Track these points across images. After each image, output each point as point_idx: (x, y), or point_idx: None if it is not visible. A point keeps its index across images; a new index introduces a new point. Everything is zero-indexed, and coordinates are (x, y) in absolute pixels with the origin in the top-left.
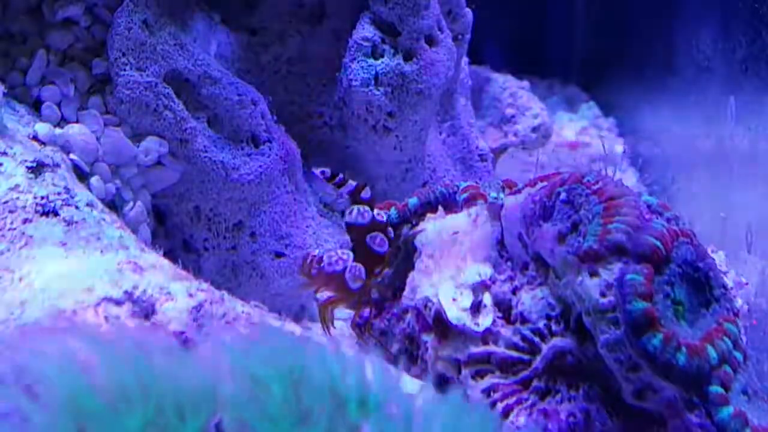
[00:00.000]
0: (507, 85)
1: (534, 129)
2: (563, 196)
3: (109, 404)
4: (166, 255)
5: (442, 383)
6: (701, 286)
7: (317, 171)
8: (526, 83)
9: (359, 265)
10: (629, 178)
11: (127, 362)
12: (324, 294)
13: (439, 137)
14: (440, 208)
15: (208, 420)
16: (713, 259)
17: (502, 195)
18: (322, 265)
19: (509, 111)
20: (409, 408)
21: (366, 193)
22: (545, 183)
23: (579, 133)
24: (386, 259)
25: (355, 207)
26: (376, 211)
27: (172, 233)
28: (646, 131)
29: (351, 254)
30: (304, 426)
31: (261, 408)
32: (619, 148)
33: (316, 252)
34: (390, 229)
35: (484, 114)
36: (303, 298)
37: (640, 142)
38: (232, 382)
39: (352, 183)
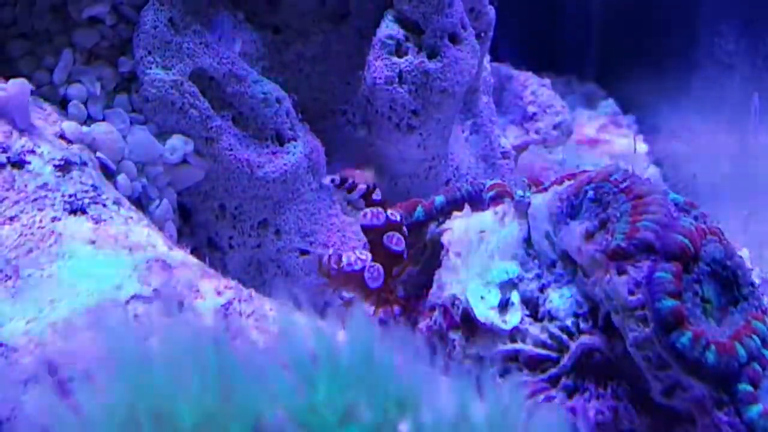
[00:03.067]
0: (528, 83)
1: (555, 126)
2: (591, 194)
3: (165, 397)
4: (191, 253)
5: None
6: (729, 284)
7: (327, 180)
8: (547, 81)
9: (378, 265)
10: (650, 176)
11: (184, 355)
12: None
13: (462, 135)
14: (467, 206)
15: (259, 415)
16: (741, 257)
17: (528, 193)
18: (341, 265)
19: (531, 109)
20: (447, 407)
21: (377, 195)
22: (572, 181)
23: (598, 130)
24: (407, 257)
25: (369, 210)
26: (389, 211)
27: (198, 231)
28: (666, 128)
29: (369, 254)
30: (349, 422)
31: (307, 403)
32: (642, 146)
33: (330, 251)
34: (404, 228)
35: (505, 112)
36: (328, 296)
37: (660, 139)
38: (277, 376)
39: (362, 186)
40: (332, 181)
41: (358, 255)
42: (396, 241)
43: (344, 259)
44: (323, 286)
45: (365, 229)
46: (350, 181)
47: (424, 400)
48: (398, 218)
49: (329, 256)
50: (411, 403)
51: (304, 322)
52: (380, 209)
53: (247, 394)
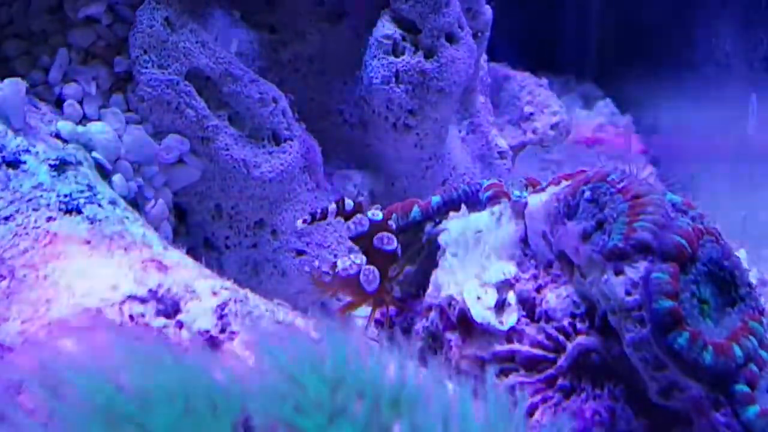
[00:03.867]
0: (525, 83)
1: (553, 126)
2: (588, 194)
3: (135, 403)
4: (187, 253)
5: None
6: (726, 285)
7: (299, 222)
8: (544, 81)
9: (373, 268)
10: (647, 176)
11: (153, 360)
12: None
13: (459, 135)
14: (463, 206)
15: (240, 415)
16: (738, 257)
17: (525, 193)
18: (336, 270)
19: (528, 109)
20: (442, 407)
21: (348, 206)
22: (569, 181)
23: (596, 130)
24: (402, 255)
25: (351, 220)
26: (370, 212)
27: (194, 231)
28: (664, 128)
29: (364, 258)
30: (339, 423)
31: (295, 404)
32: (638, 146)
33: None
34: (389, 223)
35: (502, 111)
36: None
37: (657, 139)
38: (264, 379)
39: (331, 208)
40: (304, 221)
41: (352, 259)
42: (387, 241)
43: (339, 263)
44: (319, 293)
45: (353, 239)
46: (318, 212)
47: (419, 401)
48: (380, 216)
49: (324, 263)
50: (406, 404)
51: (296, 323)
52: (360, 216)
53: (230, 396)
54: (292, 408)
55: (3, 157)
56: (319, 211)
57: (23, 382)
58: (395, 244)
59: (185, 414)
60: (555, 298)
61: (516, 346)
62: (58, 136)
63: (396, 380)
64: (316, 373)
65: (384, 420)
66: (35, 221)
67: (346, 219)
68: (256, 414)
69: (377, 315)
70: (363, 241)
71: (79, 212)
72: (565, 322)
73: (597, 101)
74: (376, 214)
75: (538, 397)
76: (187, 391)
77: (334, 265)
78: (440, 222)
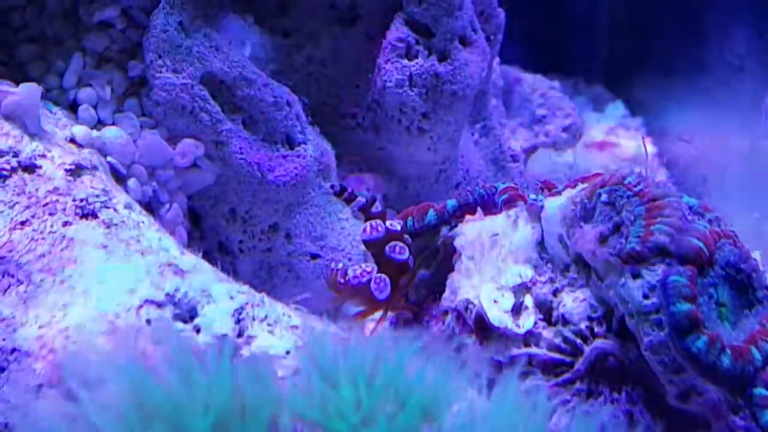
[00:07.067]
0: (537, 85)
1: (565, 129)
2: (604, 197)
3: (173, 408)
4: (202, 257)
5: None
6: (744, 288)
7: (326, 185)
8: (556, 83)
9: (384, 276)
10: (660, 178)
11: (185, 363)
12: (352, 306)
13: (472, 138)
14: (479, 209)
15: (272, 419)
16: (756, 260)
17: (541, 196)
18: (347, 278)
19: (540, 111)
20: (469, 411)
21: (376, 208)
22: (585, 184)
23: (607, 133)
24: (414, 264)
25: (368, 223)
26: (389, 222)
27: (208, 235)
28: (675, 131)
29: (375, 266)
30: (371, 426)
31: (329, 408)
32: (650, 147)
33: (340, 265)
34: (407, 236)
35: (514, 114)
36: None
37: (669, 141)
38: (299, 382)
39: (360, 200)
40: (332, 187)
41: (363, 267)
42: (399, 250)
43: (350, 272)
44: (330, 301)
45: (366, 243)
46: (349, 191)
47: (449, 403)
48: (398, 228)
49: (336, 270)
50: (436, 408)
51: (329, 328)
52: (379, 221)
53: (263, 400)
54: (326, 413)
55: (19, 161)
56: (349, 190)
57: (41, 387)
58: (407, 254)
59: (219, 420)
60: (572, 301)
61: (533, 349)
62: (73, 140)
63: (426, 383)
64: (352, 378)
65: (414, 423)
66: (51, 226)
67: (367, 219)
68: (288, 415)
69: (390, 319)
70: (376, 247)
71: (95, 217)
72: (583, 326)
73: (607, 104)
74: (395, 224)
75: (555, 401)
76: (219, 397)
77: (345, 272)
78: (456, 225)
